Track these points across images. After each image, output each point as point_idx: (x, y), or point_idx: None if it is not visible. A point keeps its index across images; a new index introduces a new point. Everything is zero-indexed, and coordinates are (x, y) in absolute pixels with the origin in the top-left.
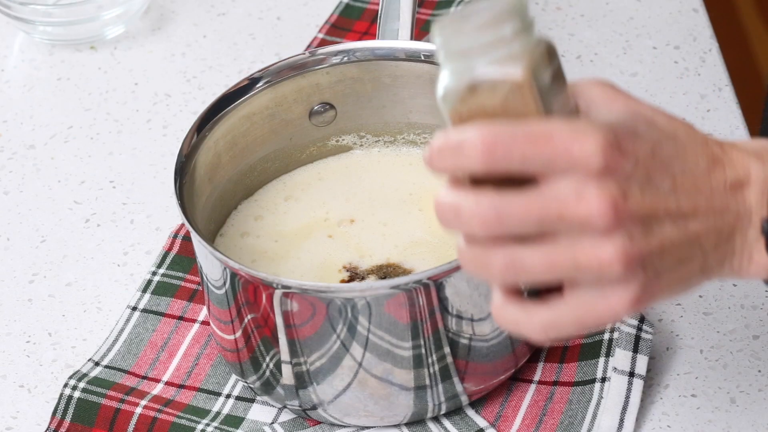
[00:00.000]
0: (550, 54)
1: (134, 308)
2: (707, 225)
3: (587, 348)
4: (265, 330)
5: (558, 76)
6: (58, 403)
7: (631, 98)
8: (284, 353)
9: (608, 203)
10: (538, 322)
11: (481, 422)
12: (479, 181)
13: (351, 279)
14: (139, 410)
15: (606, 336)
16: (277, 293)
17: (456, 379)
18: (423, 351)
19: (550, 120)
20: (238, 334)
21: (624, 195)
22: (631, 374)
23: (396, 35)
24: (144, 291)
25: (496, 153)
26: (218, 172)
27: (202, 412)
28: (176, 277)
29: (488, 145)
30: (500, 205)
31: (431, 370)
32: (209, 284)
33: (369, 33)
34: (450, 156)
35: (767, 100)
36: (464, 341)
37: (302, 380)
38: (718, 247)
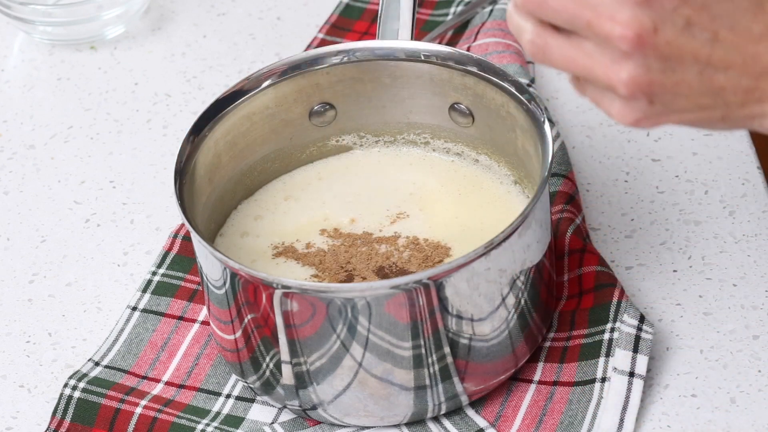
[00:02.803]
0: None
1: (134, 308)
2: (736, 83)
3: (587, 348)
4: (265, 330)
5: None
6: (58, 403)
7: None
8: (284, 353)
9: (635, 29)
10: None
11: (481, 422)
12: None
13: (350, 279)
14: (139, 410)
15: (606, 336)
16: (277, 293)
17: (456, 379)
18: (423, 351)
19: None
20: (238, 334)
21: (654, 28)
22: (631, 374)
23: (396, 35)
24: (144, 291)
25: None
26: (218, 172)
27: (202, 412)
28: (176, 277)
29: None
30: None
31: (431, 370)
32: (209, 284)
33: (369, 33)
34: None
35: None
36: (464, 341)
37: (302, 380)
38: (746, 105)
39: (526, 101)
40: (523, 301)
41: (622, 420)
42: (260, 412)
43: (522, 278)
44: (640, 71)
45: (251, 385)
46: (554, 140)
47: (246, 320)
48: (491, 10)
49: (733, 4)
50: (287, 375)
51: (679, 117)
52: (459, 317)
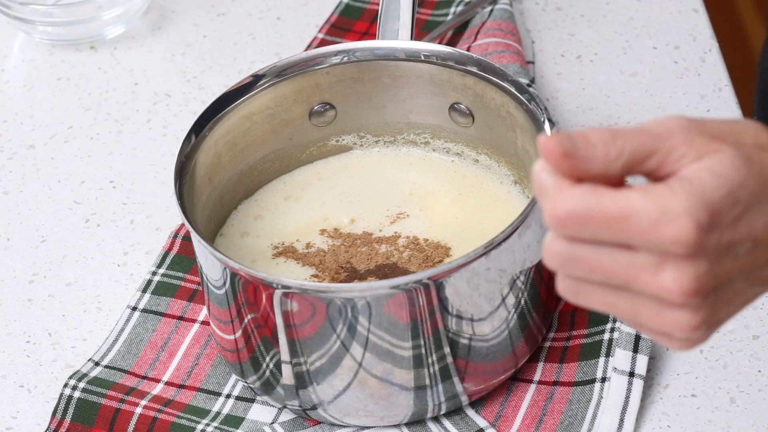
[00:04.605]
0: None
1: (134, 308)
2: None
3: (587, 348)
4: (265, 330)
5: None
6: (58, 403)
7: (716, 140)
8: (284, 353)
9: (686, 284)
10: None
11: (481, 422)
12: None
13: (350, 279)
14: (139, 410)
15: (606, 336)
16: (277, 293)
17: (456, 379)
18: (423, 351)
19: (629, 196)
20: (238, 334)
21: (705, 273)
22: (631, 374)
23: (396, 35)
24: (144, 291)
25: (566, 226)
26: (218, 172)
27: (202, 412)
28: (176, 277)
29: (559, 220)
30: (568, 255)
31: (431, 370)
32: (209, 284)
33: (369, 33)
34: (538, 197)
35: (759, 77)
36: (464, 341)
37: (302, 380)
38: None
39: (526, 101)
40: (523, 301)
41: (622, 420)
42: (260, 412)
43: (522, 278)
44: (696, 315)
45: (251, 385)
46: None
47: (246, 320)
48: (491, 10)
49: (763, 189)
50: (287, 375)
51: (731, 316)
52: (459, 317)
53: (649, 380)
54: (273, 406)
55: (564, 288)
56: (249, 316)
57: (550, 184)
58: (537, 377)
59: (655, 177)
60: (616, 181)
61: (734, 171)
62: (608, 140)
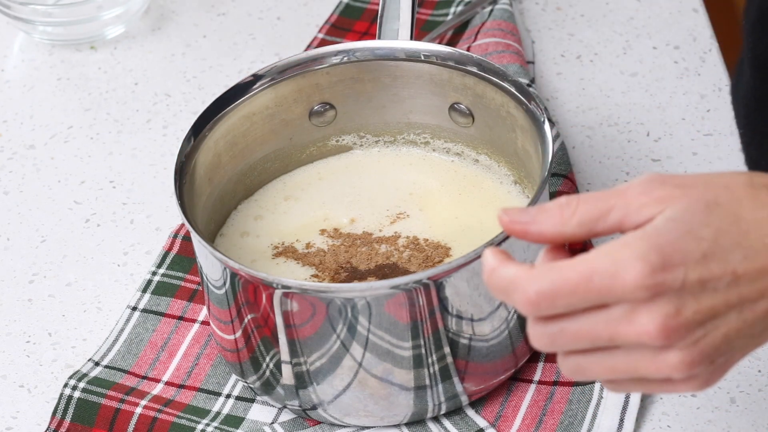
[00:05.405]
0: None
1: (134, 308)
2: None
3: None
4: (265, 330)
5: None
6: (58, 403)
7: (679, 187)
8: (284, 353)
9: (659, 325)
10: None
11: (481, 422)
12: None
13: (350, 279)
14: (139, 410)
15: None
16: (277, 293)
17: (456, 379)
18: (423, 351)
19: (587, 258)
20: (238, 334)
21: (676, 311)
22: None
23: (396, 35)
24: (144, 291)
25: (540, 307)
26: (218, 172)
27: (202, 412)
28: (176, 277)
29: (532, 303)
30: (552, 332)
31: (431, 370)
32: (209, 284)
33: (369, 33)
34: (503, 296)
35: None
36: (464, 341)
37: (302, 380)
38: None
39: (526, 101)
40: None
41: (622, 420)
42: (260, 412)
43: None
44: (687, 352)
45: (251, 385)
46: (554, 140)
47: (246, 320)
48: (491, 10)
49: (734, 225)
50: (287, 375)
51: (742, 352)
52: (459, 317)
53: None
54: (273, 406)
55: (568, 369)
56: (249, 316)
57: (509, 277)
58: (537, 377)
59: (625, 231)
60: (580, 243)
61: (690, 214)
62: (563, 204)
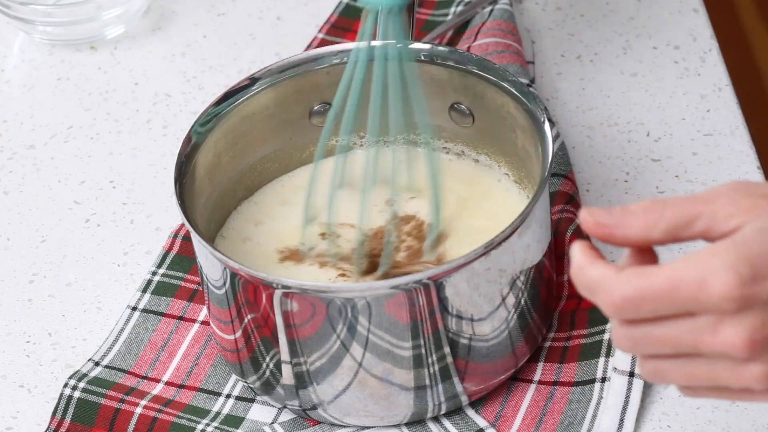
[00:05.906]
0: None
1: (134, 308)
2: None
3: (587, 348)
4: (265, 330)
5: None
6: (58, 403)
7: (765, 198)
8: (284, 353)
9: (745, 338)
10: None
11: (481, 422)
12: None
13: (350, 279)
14: (139, 410)
15: (606, 336)
16: (277, 293)
17: (456, 379)
18: (423, 351)
19: (675, 266)
20: (238, 334)
21: (763, 324)
22: (632, 374)
23: None
24: (144, 291)
25: (625, 311)
26: (218, 172)
27: (202, 412)
28: (176, 277)
29: (617, 307)
30: (635, 336)
31: (431, 370)
32: (209, 284)
33: None
34: (588, 294)
35: None
36: (464, 341)
37: (302, 380)
38: None
39: (526, 101)
40: (523, 301)
41: (622, 420)
42: (260, 412)
43: (522, 278)
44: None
45: (251, 385)
46: (554, 140)
47: (246, 320)
48: (491, 10)
49: None
50: (287, 375)
51: None
52: (459, 317)
53: None
54: (273, 406)
55: (647, 373)
56: (249, 316)
57: (596, 277)
58: (537, 377)
59: (710, 240)
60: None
61: None
62: (648, 208)
